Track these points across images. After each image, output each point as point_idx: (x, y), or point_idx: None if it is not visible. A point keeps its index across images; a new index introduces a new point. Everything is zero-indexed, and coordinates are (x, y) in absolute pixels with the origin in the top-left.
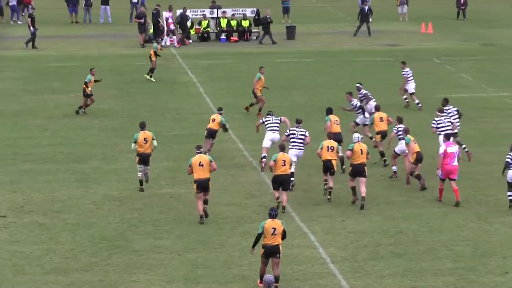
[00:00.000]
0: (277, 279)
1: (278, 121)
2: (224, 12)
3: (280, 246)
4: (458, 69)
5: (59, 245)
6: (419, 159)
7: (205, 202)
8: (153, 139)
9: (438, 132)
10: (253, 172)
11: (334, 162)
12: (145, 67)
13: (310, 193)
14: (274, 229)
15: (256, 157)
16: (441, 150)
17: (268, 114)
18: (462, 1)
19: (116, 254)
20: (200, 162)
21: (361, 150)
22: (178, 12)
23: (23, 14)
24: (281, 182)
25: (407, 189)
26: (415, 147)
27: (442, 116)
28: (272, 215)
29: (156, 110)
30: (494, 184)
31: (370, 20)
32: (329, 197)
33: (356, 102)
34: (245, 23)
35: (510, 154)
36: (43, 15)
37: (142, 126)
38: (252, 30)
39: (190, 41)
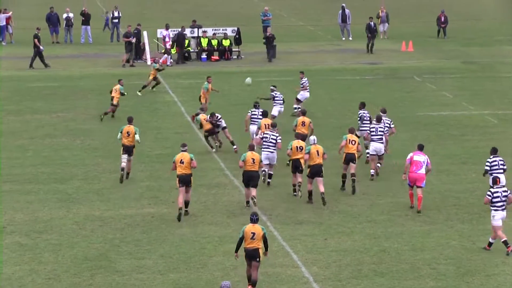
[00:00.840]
0: (254, 283)
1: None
2: (204, 31)
3: (260, 250)
4: (439, 87)
5: (42, 265)
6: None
7: (186, 204)
8: (135, 134)
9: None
10: (234, 191)
11: (302, 161)
12: (127, 87)
13: (292, 212)
14: (253, 233)
15: (237, 175)
16: (408, 157)
17: (254, 107)
18: (442, 19)
19: (98, 274)
20: (181, 159)
21: (317, 151)
22: (159, 31)
23: None
24: (250, 178)
25: (389, 208)
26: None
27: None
28: (253, 220)
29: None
30: (476, 202)
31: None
32: (295, 194)
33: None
34: (226, 43)
35: (488, 161)
36: (24, 35)
37: (129, 120)
38: (233, 49)
39: (171, 60)
